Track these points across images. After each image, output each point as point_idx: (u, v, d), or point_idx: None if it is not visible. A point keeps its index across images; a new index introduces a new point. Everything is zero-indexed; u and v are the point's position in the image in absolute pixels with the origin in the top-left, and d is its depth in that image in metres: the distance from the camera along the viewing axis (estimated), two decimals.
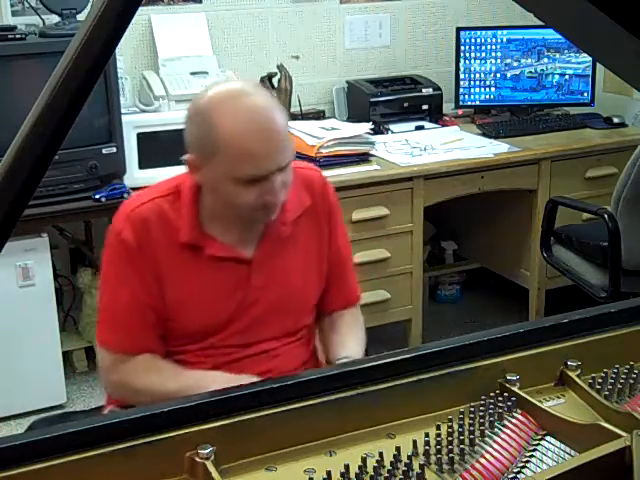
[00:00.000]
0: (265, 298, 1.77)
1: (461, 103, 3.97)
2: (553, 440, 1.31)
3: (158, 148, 3.24)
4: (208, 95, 1.64)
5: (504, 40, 3.91)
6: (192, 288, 1.72)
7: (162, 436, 1.23)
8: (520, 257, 3.76)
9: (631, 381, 1.44)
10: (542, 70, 3.94)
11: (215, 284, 1.73)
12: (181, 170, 1.76)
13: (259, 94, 1.65)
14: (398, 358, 1.41)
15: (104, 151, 3.05)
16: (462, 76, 3.93)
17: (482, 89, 3.95)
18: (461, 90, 3.94)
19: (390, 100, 3.77)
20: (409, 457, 1.25)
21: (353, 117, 3.79)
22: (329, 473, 1.20)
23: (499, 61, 3.92)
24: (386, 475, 1.21)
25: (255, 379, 1.59)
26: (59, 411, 3.19)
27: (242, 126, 1.58)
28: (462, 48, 3.90)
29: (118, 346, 1.74)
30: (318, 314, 1.92)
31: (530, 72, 3.94)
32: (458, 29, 3.92)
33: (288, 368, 1.77)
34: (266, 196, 1.63)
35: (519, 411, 1.36)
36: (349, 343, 1.85)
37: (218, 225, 1.72)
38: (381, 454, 1.25)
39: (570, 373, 1.45)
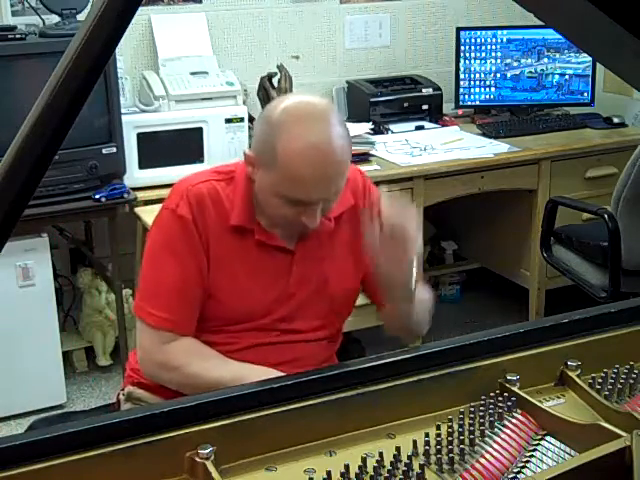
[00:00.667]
0: (303, 290, 1.79)
1: (461, 103, 3.97)
2: (553, 440, 1.31)
3: (158, 148, 3.24)
4: (284, 107, 1.65)
5: (504, 40, 3.91)
6: (237, 271, 1.74)
7: (162, 436, 1.23)
8: (520, 257, 3.76)
9: (631, 381, 1.44)
10: (542, 70, 3.94)
11: (259, 270, 1.76)
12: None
13: (331, 122, 1.64)
14: (398, 358, 1.41)
15: (104, 151, 3.05)
16: (462, 76, 3.93)
17: (482, 89, 3.95)
18: (461, 90, 3.94)
19: (390, 100, 3.77)
20: (409, 457, 1.25)
21: (353, 117, 3.79)
22: (329, 473, 1.20)
23: (499, 61, 3.92)
24: (386, 475, 1.21)
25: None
26: (59, 411, 3.19)
27: (302, 152, 1.60)
28: (462, 48, 3.91)
29: (165, 323, 1.71)
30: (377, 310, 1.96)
31: (530, 72, 3.94)
32: (458, 29, 3.92)
33: (311, 362, 1.77)
34: (304, 217, 1.67)
35: (519, 411, 1.36)
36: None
37: (265, 216, 1.75)
38: (381, 454, 1.25)
39: (570, 373, 1.45)
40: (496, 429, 1.32)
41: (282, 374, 1.62)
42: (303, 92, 1.79)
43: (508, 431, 1.31)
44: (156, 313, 1.72)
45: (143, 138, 3.22)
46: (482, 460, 1.25)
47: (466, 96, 3.95)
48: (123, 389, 1.91)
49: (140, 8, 0.97)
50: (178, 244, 1.72)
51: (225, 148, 3.34)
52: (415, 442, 1.28)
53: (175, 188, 1.78)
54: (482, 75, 3.93)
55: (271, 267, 1.77)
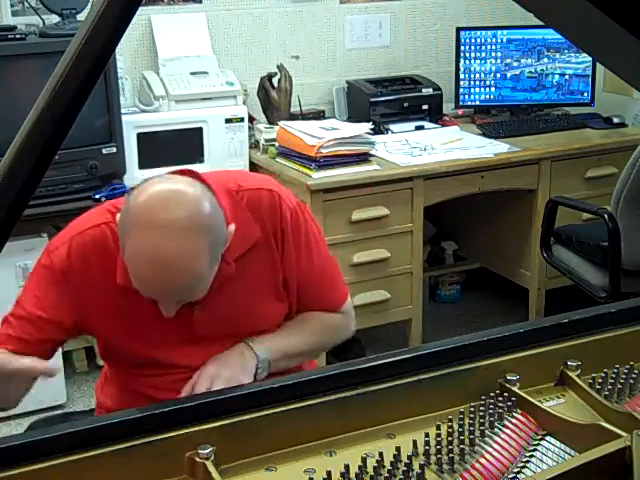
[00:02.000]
0: (212, 332, 1.69)
1: (461, 103, 3.97)
2: (553, 440, 1.31)
3: (158, 148, 3.25)
4: (140, 202, 1.49)
5: (504, 40, 3.91)
6: (132, 323, 1.65)
7: (162, 436, 1.23)
8: (520, 257, 3.76)
9: (631, 381, 1.44)
10: (542, 70, 3.94)
11: (156, 324, 1.63)
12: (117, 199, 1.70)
13: (179, 233, 1.46)
14: (398, 358, 1.42)
15: (104, 151, 3.05)
16: (462, 76, 3.93)
17: (482, 89, 3.95)
18: (461, 90, 3.94)
19: (390, 100, 3.77)
20: (409, 457, 1.25)
21: (353, 117, 3.79)
22: (329, 473, 1.20)
23: (499, 61, 3.92)
24: (386, 475, 1.21)
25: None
26: (59, 411, 3.19)
27: (140, 258, 1.48)
28: (462, 48, 3.90)
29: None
30: None
31: (530, 72, 3.94)
32: (458, 29, 3.92)
33: None
34: (159, 303, 1.57)
35: (519, 411, 1.36)
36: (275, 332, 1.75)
37: None
38: (381, 454, 1.25)
39: (570, 373, 1.45)
40: (496, 429, 1.32)
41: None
42: (171, 180, 1.55)
43: (508, 431, 1.31)
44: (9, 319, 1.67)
45: (143, 138, 3.23)
46: (482, 460, 1.25)
47: (466, 96, 3.95)
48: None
49: (140, 8, 0.98)
50: (42, 286, 1.65)
51: (225, 148, 3.34)
52: (415, 442, 1.28)
53: (70, 226, 1.68)
54: (482, 75, 3.93)
55: (170, 320, 1.60)
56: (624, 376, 1.45)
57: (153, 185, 1.51)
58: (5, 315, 1.70)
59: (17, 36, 2.91)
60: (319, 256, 1.79)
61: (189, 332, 1.67)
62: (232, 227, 1.58)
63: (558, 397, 1.44)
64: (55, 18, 3.16)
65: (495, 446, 1.28)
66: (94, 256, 1.62)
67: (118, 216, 1.54)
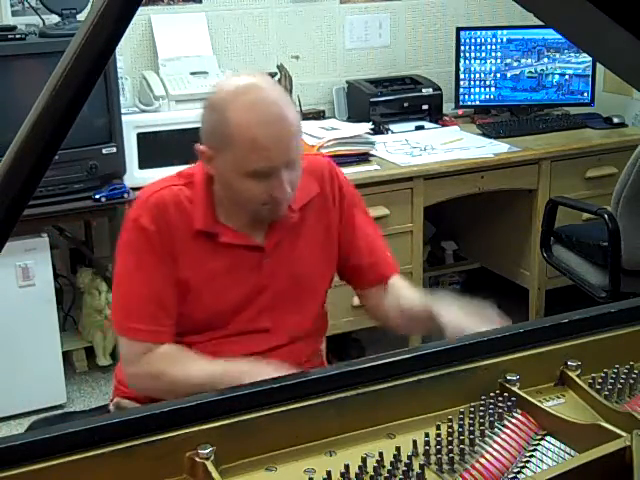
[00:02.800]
0: (275, 284, 1.79)
1: (461, 103, 3.97)
2: (553, 440, 1.31)
3: (158, 148, 3.25)
4: (224, 88, 1.70)
5: (504, 40, 3.91)
6: (205, 274, 1.74)
7: (162, 436, 1.23)
8: (520, 257, 3.76)
9: (631, 381, 1.44)
10: (542, 70, 3.94)
11: (228, 270, 1.76)
12: (181, 170, 1.78)
13: (273, 89, 1.69)
14: (398, 358, 1.41)
15: (104, 151, 3.05)
16: (462, 76, 3.93)
17: (482, 89, 3.95)
18: (461, 90, 3.94)
19: (390, 100, 3.77)
20: (409, 457, 1.25)
21: (353, 117, 3.79)
22: (329, 473, 1.20)
23: (499, 61, 3.92)
24: (386, 475, 1.21)
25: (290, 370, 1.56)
26: (59, 411, 3.19)
27: (254, 118, 1.62)
28: (462, 48, 3.91)
29: (142, 334, 1.72)
30: (358, 293, 1.97)
31: (530, 72, 3.94)
32: (458, 29, 3.92)
33: (293, 360, 1.75)
34: (273, 192, 1.67)
35: (519, 411, 1.36)
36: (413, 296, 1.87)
37: (230, 214, 1.76)
38: (381, 454, 1.25)
39: (570, 373, 1.45)
40: (496, 429, 1.32)
41: (270, 364, 1.62)
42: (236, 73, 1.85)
43: (508, 431, 1.31)
44: (132, 325, 1.72)
45: (143, 138, 3.22)
46: (482, 460, 1.25)
47: (466, 96, 3.95)
48: (112, 400, 1.91)
49: (140, 8, 0.97)
50: (145, 256, 1.71)
51: None
52: (415, 442, 1.28)
53: (138, 196, 1.79)
54: (482, 75, 3.93)
55: (241, 266, 1.77)
56: (624, 376, 1.45)
57: (221, 84, 1.75)
58: (117, 319, 1.77)
59: (17, 36, 2.91)
60: (368, 221, 1.95)
61: (257, 281, 1.77)
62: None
63: (558, 397, 1.44)
64: (55, 18, 3.16)
65: (495, 446, 1.28)
66: (171, 210, 1.72)
67: (206, 108, 1.72)
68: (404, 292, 1.90)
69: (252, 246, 1.77)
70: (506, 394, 1.39)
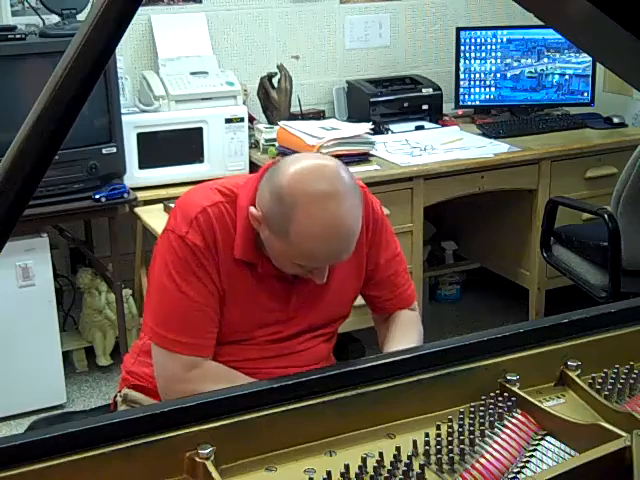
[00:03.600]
0: (302, 313, 1.80)
1: (461, 103, 3.97)
2: (553, 440, 1.31)
3: (158, 148, 3.25)
4: (296, 182, 1.60)
5: (504, 40, 3.91)
6: (239, 294, 1.74)
7: (162, 436, 1.23)
8: (520, 257, 3.76)
9: (631, 381, 1.44)
10: (542, 70, 3.94)
11: (260, 295, 1.76)
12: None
13: (346, 197, 1.60)
14: (398, 358, 1.42)
15: (104, 151, 3.05)
16: (462, 76, 3.93)
17: (482, 89, 3.95)
18: (461, 90, 3.94)
19: (390, 100, 3.77)
20: (409, 457, 1.25)
21: (353, 117, 3.79)
22: (329, 473, 1.20)
23: (499, 61, 3.92)
24: (386, 475, 1.21)
25: None
26: (59, 411, 3.19)
27: (319, 234, 1.59)
28: (462, 48, 3.90)
29: (189, 349, 1.70)
30: (374, 316, 2.00)
31: (530, 72, 3.94)
32: (458, 29, 3.92)
33: (307, 364, 1.79)
34: (312, 274, 1.69)
35: (519, 411, 1.36)
36: (400, 339, 1.86)
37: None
38: (381, 454, 1.25)
39: (570, 373, 1.45)
40: (496, 429, 1.32)
41: None
42: (311, 156, 1.71)
43: (508, 431, 1.31)
44: (179, 339, 1.70)
45: (143, 138, 3.23)
46: (482, 460, 1.25)
47: (466, 96, 3.95)
48: (120, 391, 1.91)
49: (140, 8, 0.97)
50: (194, 269, 1.70)
51: (225, 148, 3.34)
52: (415, 442, 1.28)
53: (181, 209, 1.74)
54: (482, 75, 3.93)
55: (271, 293, 1.77)
56: (624, 376, 1.45)
57: (293, 164, 1.63)
58: (157, 331, 1.74)
59: (17, 36, 2.91)
60: (396, 251, 1.93)
61: (284, 311, 1.78)
62: None
63: (558, 397, 1.44)
64: (55, 18, 3.16)
65: (495, 446, 1.28)
66: (218, 230, 1.70)
67: (258, 209, 1.65)
68: (395, 335, 1.89)
69: (285, 278, 1.76)
70: (506, 394, 1.39)
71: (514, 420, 1.34)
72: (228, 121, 3.33)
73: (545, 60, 3.92)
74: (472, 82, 3.94)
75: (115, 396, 1.93)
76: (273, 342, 1.80)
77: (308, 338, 1.84)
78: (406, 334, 1.88)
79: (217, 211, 1.71)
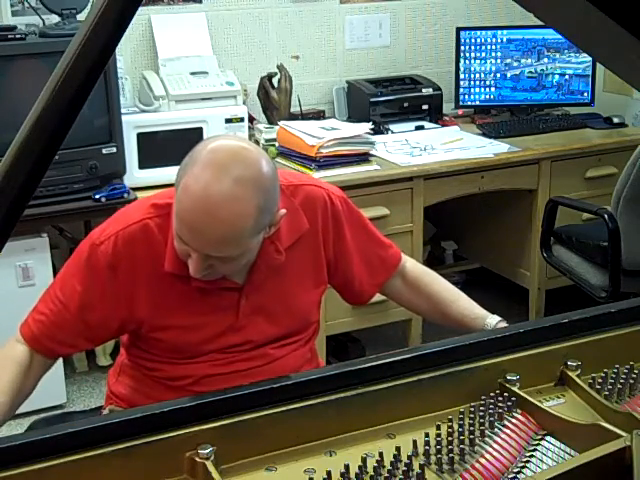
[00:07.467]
0: (254, 321, 1.72)
1: (461, 103, 3.97)
2: (553, 440, 1.31)
3: (158, 148, 3.24)
4: (207, 145, 1.54)
5: (504, 40, 3.91)
6: (177, 312, 1.67)
7: (162, 436, 1.23)
8: (520, 257, 3.76)
9: (631, 381, 1.44)
10: (542, 70, 3.94)
11: (203, 310, 1.68)
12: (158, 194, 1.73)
13: (239, 183, 1.49)
14: (398, 358, 1.42)
15: (104, 151, 3.05)
16: (462, 76, 3.93)
17: (482, 89, 3.95)
18: (461, 90, 3.94)
19: (390, 100, 3.78)
20: (409, 457, 1.25)
21: (353, 117, 3.79)
22: (329, 473, 1.20)
23: (499, 61, 3.92)
24: (386, 475, 1.21)
25: None
26: (59, 411, 3.19)
27: (191, 195, 1.50)
28: (462, 48, 3.90)
29: (25, 329, 1.77)
30: (390, 291, 2.02)
31: (530, 72, 3.94)
32: (458, 29, 3.92)
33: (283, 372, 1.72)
34: (187, 263, 1.58)
35: (519, 411, 1.36)
36: (445, 290, 2.01)
37: None
38: (381, 454, 1.25)
39: (570, 373, 1.45)
40: (496, 429, 1.32)
41: None
42: (244, 142, 1.63)
43: (508, 431, 1.31)
44: (30, 321, 1.76)
45: (143, 138, 3.22)
46: (482, 460, 1.25)
47: (466, 96, 3.95)
48: (105, 408, 1.87)
49: (140, 8, 0.97)
50: (82, 276, 1.66)
51: None
52: (415, 442, 1.28)
53: (110, 222, 1.70)
54: (482, 75, 3.93)
55: (216, 306, 1.68)
56: (624, 376, 1.45)
57: (220, 139, 1.57)
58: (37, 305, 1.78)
59: (17, 36, 2.91)
60: (362, 227, 1.91)
61: (233, 320, 1.70)
62: (283, 211, 1.63)
63: (558, 397, 1.44)
64: (55, 18, 3.16)
65: (495, 446, 1.28)
66: (139, 248, 1.65)
67: (180, 167, 1.57)
68: (444, 295, 2.03)
69: (228, 287, 1.68)
70: (506, 394, 1.39)
71: (514, 420, 1.34)
72: (228, 121, 3.33)
73: (545, 60, 3.92)
74: (472, 82, 3.94)
75: (100, 412, 1.90)
76: (232, 355, 1.72)
77: (275, 347, 1.76)
78: (437, 282, 2.09)
79: (144, 227, 1.65)
